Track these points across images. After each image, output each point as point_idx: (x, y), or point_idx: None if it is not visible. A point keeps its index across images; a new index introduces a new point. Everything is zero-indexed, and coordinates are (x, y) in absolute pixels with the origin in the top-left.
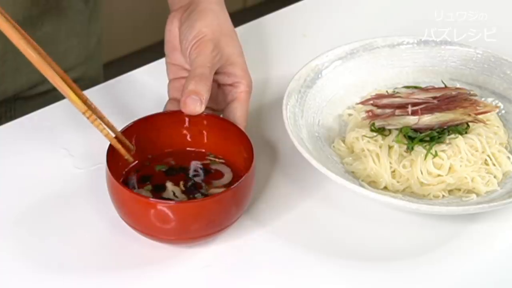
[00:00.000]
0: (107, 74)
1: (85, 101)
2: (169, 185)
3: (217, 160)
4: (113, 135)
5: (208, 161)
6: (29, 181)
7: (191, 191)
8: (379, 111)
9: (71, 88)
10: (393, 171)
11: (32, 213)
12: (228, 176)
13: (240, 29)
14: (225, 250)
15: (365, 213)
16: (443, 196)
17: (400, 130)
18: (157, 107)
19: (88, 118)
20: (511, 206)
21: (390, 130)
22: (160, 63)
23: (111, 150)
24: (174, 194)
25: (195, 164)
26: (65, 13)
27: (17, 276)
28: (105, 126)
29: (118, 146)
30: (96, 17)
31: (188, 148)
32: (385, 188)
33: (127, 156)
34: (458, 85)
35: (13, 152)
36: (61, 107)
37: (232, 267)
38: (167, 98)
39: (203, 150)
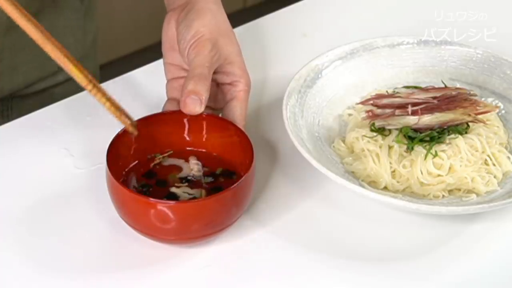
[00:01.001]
0: (106, 75)
1: (86, 76)
2: (174, 189)
3: (165, 155)
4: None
5: (158, 161)
6: (29, 181)
7: (198, 183)
8: (379, 111)
9: (72, 63)
10: (393, 171)
11: (32, 213)
12: (185, 166)
13: (240, 29)
14: (225, 250)
15: (365, 213)
16: (443, 196)
17: (400, 130)
18: (156, 107)
19: (90, 91)
20: (511, 206)
21: (390, 130)
22: (159, 63)
23: (111, 150)
24: (188, 193)
25: (192, 160)
26: (61, 10)
27: (17, 276)
28: (108, 100)
29: (122, 118)
30: (91, 15)
31: (188, 148)
32: (385, 188)
33: (131, 128)
34: (458, 85)
35: (13, 152)
36: (61, 107)
37: (232, 267)
38: (166, 98)
39: (203, 150)
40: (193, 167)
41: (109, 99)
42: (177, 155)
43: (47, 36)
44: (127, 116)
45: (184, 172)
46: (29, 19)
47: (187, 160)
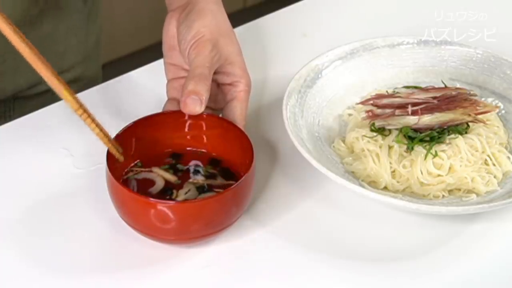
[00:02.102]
0: (107, 74)
1: (77, 100)
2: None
3: (141, 169)
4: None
5: (133, 173)
6: (29, 181)
7: (183, 179)
8: (379, 111)
9: (64, 87)
10: (393, 171)
11: (32, 213)
12: (159, 180)
13: (240, 29)
14: (225, 250)
15: (365, 213)
16: (443, 196)
17: (400, 130)
18: (157, 107)
19: (80, 116)
20: (511, 206)
21: (390, 130)
22: (160, 63)
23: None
24: (185, 193)
25: (156, 169)
26: (64, 12)
27: (17, 276)
28: (97, 125)
29: (109, 144)
30: (94, 16)
31: (188, 148)
32: (385, 188)
33: (117, 155)
34: (458, 85)
35: (13, 152)
36: (61, 107)
37: (232, 267)
38: (166, 98)
39: (203, 150)
40: (163, 174)
41: (98, 125)
42: (148, 165)
43: (40, 58)
44: (113, 143)
45: (158, 184)
46: (23, 39)
47: (153, 172)
